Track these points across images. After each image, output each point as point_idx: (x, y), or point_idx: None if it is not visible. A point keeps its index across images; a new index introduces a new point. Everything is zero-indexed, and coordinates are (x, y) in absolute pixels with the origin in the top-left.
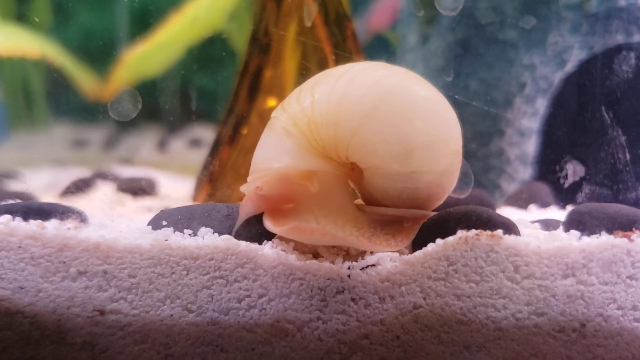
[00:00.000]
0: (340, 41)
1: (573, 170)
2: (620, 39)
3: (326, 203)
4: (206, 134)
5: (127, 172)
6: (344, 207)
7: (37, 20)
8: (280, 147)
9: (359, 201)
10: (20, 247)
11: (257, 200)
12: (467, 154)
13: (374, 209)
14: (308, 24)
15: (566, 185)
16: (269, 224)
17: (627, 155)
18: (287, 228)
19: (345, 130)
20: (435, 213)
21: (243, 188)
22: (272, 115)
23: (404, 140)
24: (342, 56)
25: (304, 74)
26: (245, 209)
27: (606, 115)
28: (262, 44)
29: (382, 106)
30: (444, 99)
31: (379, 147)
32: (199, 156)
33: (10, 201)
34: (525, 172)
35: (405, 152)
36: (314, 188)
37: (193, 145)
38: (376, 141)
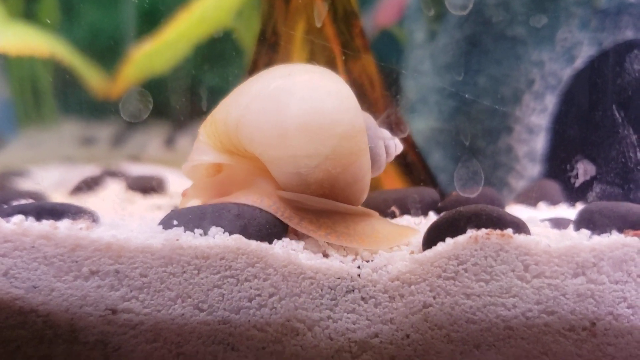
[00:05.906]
0: (349, 39)
1: (584, 169)
2: (630, 34)
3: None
4: None
5: (136, 169)
6: (267, 193)
7: (48, 20)
8: (196, 145)
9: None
10: (33, 246)
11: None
12: (476, 151)
13: (280, 192)
14: (318, 24)
15: (577, 185)
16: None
17: (638, 154)
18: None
19: (231, 122)
20: (347, 206)
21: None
22: None
23: (275, 126)
24: (351, 54)
25: None
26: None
27: (617, 113)
28: (270, 42)
29: (259, 96)
30: (332, 87)
31: (256, 134)
32: None
33: (23, 201)
34: (533, 170)
35: (279, 137)
36: (208, 176)
37: None
38: (253, 129)
